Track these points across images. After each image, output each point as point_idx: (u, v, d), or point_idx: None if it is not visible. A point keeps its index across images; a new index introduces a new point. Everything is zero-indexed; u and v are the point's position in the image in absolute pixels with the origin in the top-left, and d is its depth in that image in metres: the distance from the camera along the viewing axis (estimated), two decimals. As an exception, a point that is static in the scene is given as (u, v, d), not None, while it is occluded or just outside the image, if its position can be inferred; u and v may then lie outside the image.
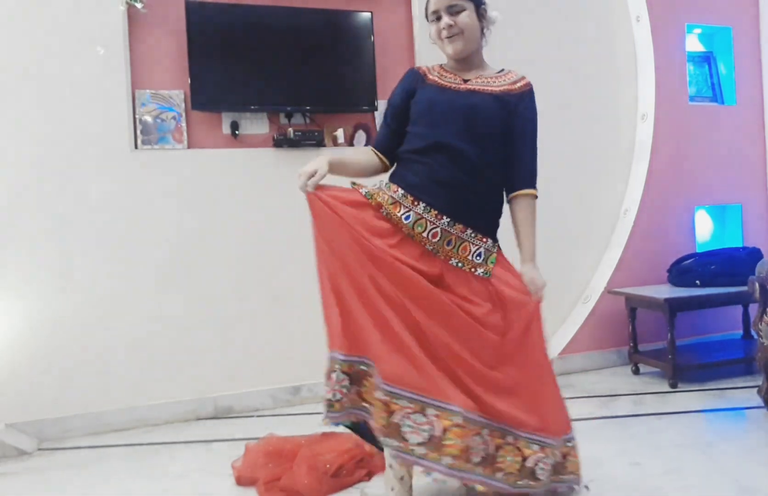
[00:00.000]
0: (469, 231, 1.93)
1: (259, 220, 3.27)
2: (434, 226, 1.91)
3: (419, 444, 1.75)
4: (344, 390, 1.86)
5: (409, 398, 1.78)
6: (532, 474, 1.90)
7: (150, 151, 3.16)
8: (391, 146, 2.06)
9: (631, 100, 3.87)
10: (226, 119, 3.32)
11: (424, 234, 1.91)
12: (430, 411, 1.77)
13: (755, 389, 2.97)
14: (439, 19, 1.96)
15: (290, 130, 3.30)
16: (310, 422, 2.91)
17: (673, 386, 3.26)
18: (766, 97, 4.19)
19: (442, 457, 1.75)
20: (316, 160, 1.94)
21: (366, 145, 3.50)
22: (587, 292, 3.77)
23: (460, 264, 1.92)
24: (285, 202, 3.30)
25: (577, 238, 3.77)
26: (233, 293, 3.22)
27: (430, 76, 2.03)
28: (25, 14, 2.94)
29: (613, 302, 3.71)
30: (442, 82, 2.00)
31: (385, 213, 1.92)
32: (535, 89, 2.05)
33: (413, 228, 1.90)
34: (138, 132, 3.15)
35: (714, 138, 4.07)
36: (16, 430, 2.85)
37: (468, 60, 2.01)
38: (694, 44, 4.22)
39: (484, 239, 1.96)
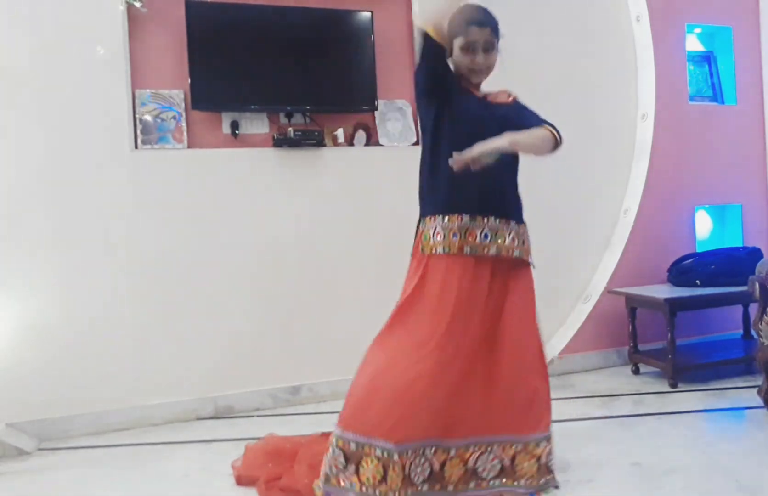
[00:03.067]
0: (512, 222, 2.12)
1: (259, 220, 3.26)
2: (510, 230, 2.10)
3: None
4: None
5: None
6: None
7: (150, 151, 3.16)
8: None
9: (631, 100, 3.87)
10: (226, 119, 3.32)
11: (507, 243, 2.09)
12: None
13: (755, 389, 2.97)
14: (472, 51, 2.07)
15: (290, 130, 3.30)
16: (310, 422, 2.92)
17: (673, 386, 3.27)
18: (766, 97, 4.19)
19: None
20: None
21: (366, 145, 3.50)
22: (587, 292, 3.77)
23: (520, 254, 2.13)
24: (285, 202, 3.31)
25: (577, 238, 3.77)
26: (233, 293, 3.22)
27: (462, 85, 2.15)
28: (25, 14, 2.93)
29: (613, 302, 3.71)
30: (476, 94, 2.16)
31: (469, 251, 2.06)
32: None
33: (497, 241, 2.07)
34: (138, 132, 3.15)
35: (714, 138, 4.06)
36: (16, 430, 2.85)
37: (476, 86, 2.18)
38: (694, 44, 4.21)
39: (518, 225, 2.16)
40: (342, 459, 1.99)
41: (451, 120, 2.07)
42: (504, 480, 2.08)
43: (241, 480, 2.30)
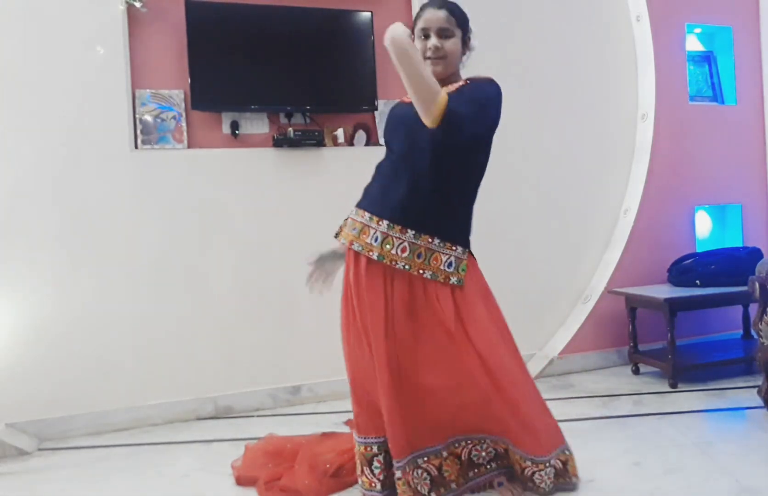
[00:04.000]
0: (437, 241, 1.97)
1: (259, 220, 3.27)
2: (401, 241, 1.95)
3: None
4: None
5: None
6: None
7: (150, 151, 3.16)
8: None
9: (631, 100, 3.87)
10: (226, 119, 3.32)
11: (393, 251, 1.94)
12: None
13: (755, 389, 2.97)
14: (426, 37, 1.99)
15: (290, 130, 3.30)
16: (310, 422, 2.92)
17: (673, 386, 3.26)
18: (766, 97, 4.18)
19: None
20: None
21: (366, 145, 3.50)
22: (587, 292, 3.77)
23: (433, 275, 1.96)
24: (285, 202, 3.31)
25: (577, 238, 3.77)
26: (233, 293, 3.22)
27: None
28: (25, 14, 2.94)
29: (613, 302, 3.71)
30: (406, 99, 2.04)
31: (357, 247, 2.00)
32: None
33: (382, 247, 1.95)
34: (138, 132, 3.15)
35: (714, 138, 4.06)
36: (16, 430, 2.85)
37: (444, 81, 1.99)
38: (694, 44, 4.21)
39: (454, 248, 2.00)
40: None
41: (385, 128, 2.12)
42: (501, 461, 2.08)
43: (241, 480, 2.30)
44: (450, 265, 1.99)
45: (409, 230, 1.95)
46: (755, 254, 3.56)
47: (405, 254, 1.95)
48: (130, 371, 3.06)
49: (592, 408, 3.03)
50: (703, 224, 4.21)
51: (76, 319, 2.98)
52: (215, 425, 3.07)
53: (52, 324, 2.95)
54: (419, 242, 1.96)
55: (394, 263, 1.94)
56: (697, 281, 3.54)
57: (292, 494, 2.16)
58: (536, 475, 2.00)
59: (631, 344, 3.59)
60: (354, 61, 3.43)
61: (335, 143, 3.43)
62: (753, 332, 3.21)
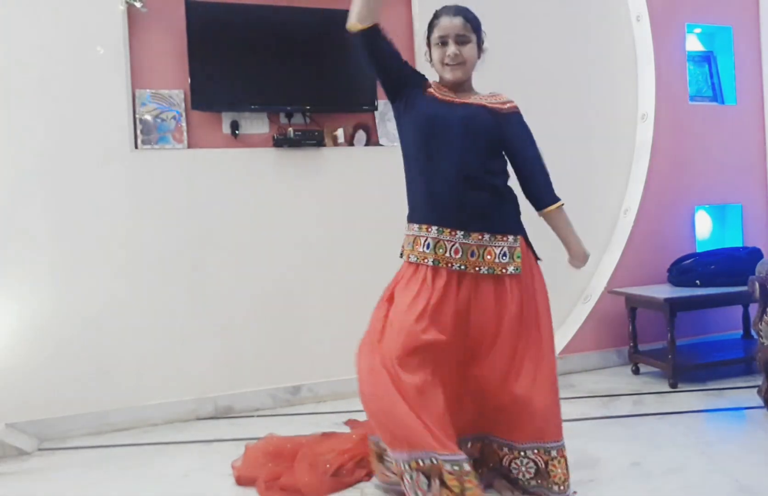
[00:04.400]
0: (486, 236, 1.99)
1: (259, 220, 3.26)
2: (452, 243, 1.97)
3: None
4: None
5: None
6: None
7: (150, 151, 3.16)
8: (382, 42, 2.00)
9: (631, 100, 3.87)
10: (226, 119, 3.32)
11: (447, 254, 1.96)
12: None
13: (755, 389, 2.97)
14: (444, 44, 2.02)
15: (290, 130, 3.30)
16: (310, 422, 2.92)
17: (673, 386, 3.26)
18: (766, 97, 4.18)
19: None
20: None
21: (366, 145, 3.50)
22: (587, 292, 3.77)
23: (490, 270, 1.98)
24: (285, 202, 3.31)
25: (577, 238, 3.76)
26: (233, 293, 3.22)
27: (429, 90, 2.07)
28: (25, 14, 2.94)
29: (614, 302, 3.71)
30: (440, 96, 2.05)
31: (413, 259, 2.01)
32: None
33: (436, 251, 1.96)
34: (138, 132, 3.15)
35: (714, 138, 4.06)
36: (16, 430, 2.85)
37: (463, 85, 2.07)
38: (694, 44, 4.21)
39: (504, 238, 2.02)
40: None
41: (410, 123, 2.05)
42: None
43: (241, 480, 2.30)
44: (504, 255, 2.01)
45: (458, 231, 1.97)
46: (755, 254, 3.56)
47: (458, 255, 1.98)
48: (130, 371, 3.06)
49: (592, 408, 3.03)
50: (703, 224, 4.21)
51: (76, 319, 2.98)
52: (215, 425, 3.07)
53: (52, 324, 2.95)
54: (470, 241, 1.98)
55: (450, 265, 1.97)
56: (697, 281, 3.54)
57: (292, 493, 2.16)
58: (513, 464, 2.07)
59: (631, 344, 3.59)
60: (354, 61, 3.38)
61: (335, 143, 3.43)
62: (753, 332, 3.21)
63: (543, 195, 2.11)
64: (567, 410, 2.93)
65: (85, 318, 3.00)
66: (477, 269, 1.98)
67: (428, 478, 1.80)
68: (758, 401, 2.88)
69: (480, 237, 1.99)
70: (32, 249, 2.94)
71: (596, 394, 3.26)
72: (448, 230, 1.97)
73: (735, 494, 2.04)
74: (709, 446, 2.44)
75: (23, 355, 2.91)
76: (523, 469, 2.05)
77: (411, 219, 2.07)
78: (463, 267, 1.97)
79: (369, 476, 2.29)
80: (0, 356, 2.88)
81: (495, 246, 2.00)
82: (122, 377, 3.05)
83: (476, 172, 1.99)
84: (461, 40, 2.01)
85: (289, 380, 3.30)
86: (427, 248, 1.98)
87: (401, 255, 2.10)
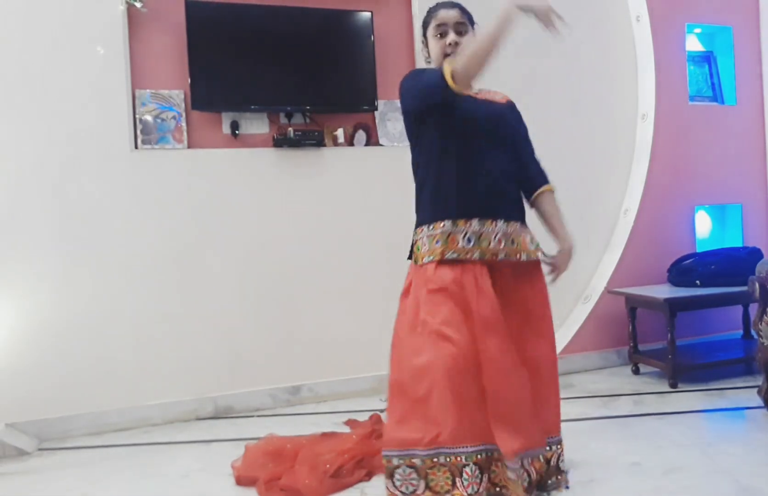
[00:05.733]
0: (518, 224, 2.05)
1: (259, 220, 3.27)
2: (495, 233, 1.98)
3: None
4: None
5: None
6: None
7: (150, 151, 3.16)
8: None
9: (631, 100, 3.87)
10: (226, 119, 3.32)
11: (491, 246, 1.96)
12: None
13: (755, 389, 2.97)
14: (443, 35, 2.03)
15: (290, 130, 3.30)
16: (310, 422, 2.92)
17: (673, 386, 3.26)
18: (766, 97, 4.19)
19: None
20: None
21: (366, 145, 3.50)
22: (587, 292, 3.77)
23: (527, 256, 2.03)
24: (285, 202, 3.31)
25: (577, 238, 3.71)
26: (233, 293, 3.22)
27: None
28: (25, 14, 2.94)
29: (613, 302, 3.71)
30: (473, 94, 2.07)
31: (452, 255, 1.94)
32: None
33: (480, 243, 1.95)
34: (138, 132, 3.15)
35: (714, 138, 4.06)
36: (16, 430, 2.85)
37: None
38: (694, 44, 4.21)
39: (525, 225, 2.10)
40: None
41: (444, 124, 1.98)
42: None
43: (241, 480, 2.30)
44: (532, 241, 2.07)
45: (498, 221, 1.99)
46: (755, 254, 3.56)
47: (502, 245, 1.98)
48: (130, 371, 3.06)
49: (592, 408, 3.03)
50: (703, 224, 4.21)
51: (75, 319, 2.98)
52: (215, 425, 3.07)
53: (51, 324, 2.95)
54: (509, 230, 2.01)
55: (495, 257, 1.96)
56: (697, 281, 3.54)
57: (293, 493, 2.16)
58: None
59: (631, 344, 3.59)
60: (354, 61, 3.43)
61: (335, 143, 3.44)
62: (753, 332, 3.21)
63: (541, 176, 2.19)
64: (567, 409, 2.93)
65: (85, 318, 3.00)
66: (517, 256, 2.01)
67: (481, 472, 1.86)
68: (758, 401, 2.88)
69: (516, 225, 2.04)
70: (32, 249, 2.94)
71: (596, 394, 3.26)
72: (490, 221, 1.98)
73: (735, 495, 2.04)
74: (709, 446, 2.44)
75: (23, 355, 2.91)
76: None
77: (435, 217, 1.97)
78: (505, 256, 1.98)
79: (369, 476, 2.29)
80: (0, 356, 2.88)
81: (525, 234, 2.06)
82: (122, 377, 3.05)
83: (509, 165, 2.06)
84: (459, 30, 2.05)
85: (288, 380, 3.30)
86: (469, 242, 1.94)
87: (413, 259, 2.01)
